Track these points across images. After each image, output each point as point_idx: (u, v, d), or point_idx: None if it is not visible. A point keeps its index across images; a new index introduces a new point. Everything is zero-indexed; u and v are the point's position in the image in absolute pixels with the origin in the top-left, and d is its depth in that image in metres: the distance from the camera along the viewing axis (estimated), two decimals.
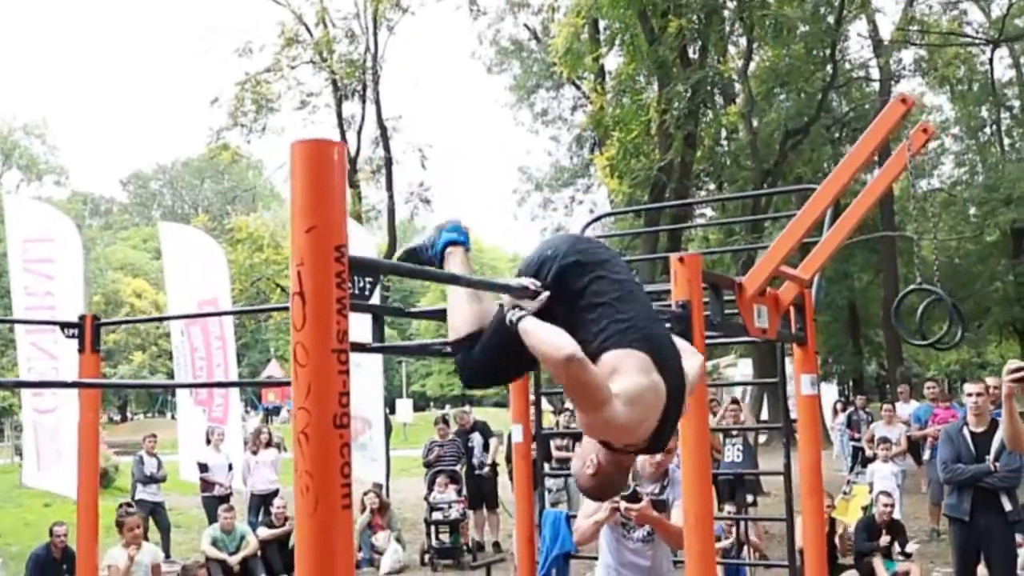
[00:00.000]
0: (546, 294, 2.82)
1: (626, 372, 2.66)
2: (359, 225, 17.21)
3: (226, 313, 13.99)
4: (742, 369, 34.04)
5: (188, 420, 15.09)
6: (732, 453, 11.04)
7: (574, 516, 5.87)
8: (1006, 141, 32.16)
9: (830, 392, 36.76)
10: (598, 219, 8.52)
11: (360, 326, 4.27)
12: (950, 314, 4.82)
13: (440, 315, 6.52)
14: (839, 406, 22.57)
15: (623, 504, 4.63)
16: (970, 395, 7.18)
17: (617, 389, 2.60)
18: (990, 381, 8.09)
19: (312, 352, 2.23)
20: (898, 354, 25.77)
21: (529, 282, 2.90)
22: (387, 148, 18.72)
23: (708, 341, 5.35)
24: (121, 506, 10.89)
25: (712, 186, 25.25)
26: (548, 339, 2.62)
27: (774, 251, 4.84)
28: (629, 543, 4.95)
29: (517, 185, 33.34)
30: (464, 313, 2.92)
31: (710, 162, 20.15)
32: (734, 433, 11.15)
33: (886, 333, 26.57)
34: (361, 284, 2.48)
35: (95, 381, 5.28)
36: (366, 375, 13.03)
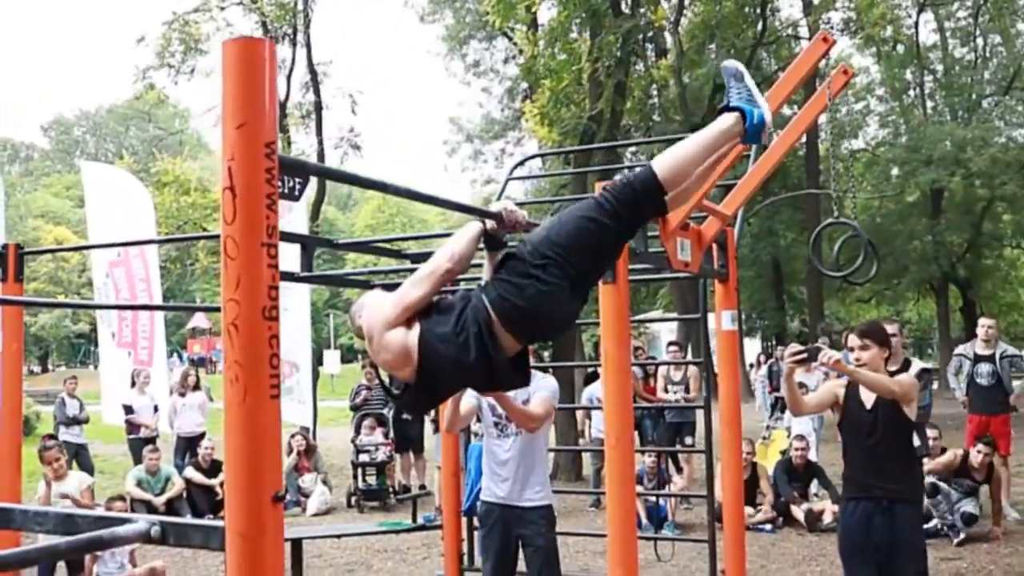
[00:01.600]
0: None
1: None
2: None
3: (151, 242, 13.80)
4: (668, 325, 34.54)
5: (112, 363, 14.93)
6: (674, 396, 11.27)
7: None
8: (928, 104, 32.84)
9: (753, 347, 37.47)
10: (526, 160, 8.57)
11: (289, 257, 4.32)
12: (864, 249, 4.98)
13: (369, 249, 6.58)
14: (761, 358, 23.07)
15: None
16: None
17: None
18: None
19: (242, 245, 2.27)
20: (819, 310, 26.33)
21: (502, 205, 3.28)
22: (317, 93, 18.52)
23: (633, 277, 5.49)
24: (43, 438, 10.80)
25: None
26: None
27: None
28: (495, 440, 5.39)
29: (448, 136, 33.34)
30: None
31: (640, 115, 20.28)
32: (676, 380, 11.37)
33: (809, 290, 27.12)
34: (291, 183, 2.52)
35: (17, 298, 5.24)
36: (293, 319, 12.98)
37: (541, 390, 5.18)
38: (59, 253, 43.96)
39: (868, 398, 5.03)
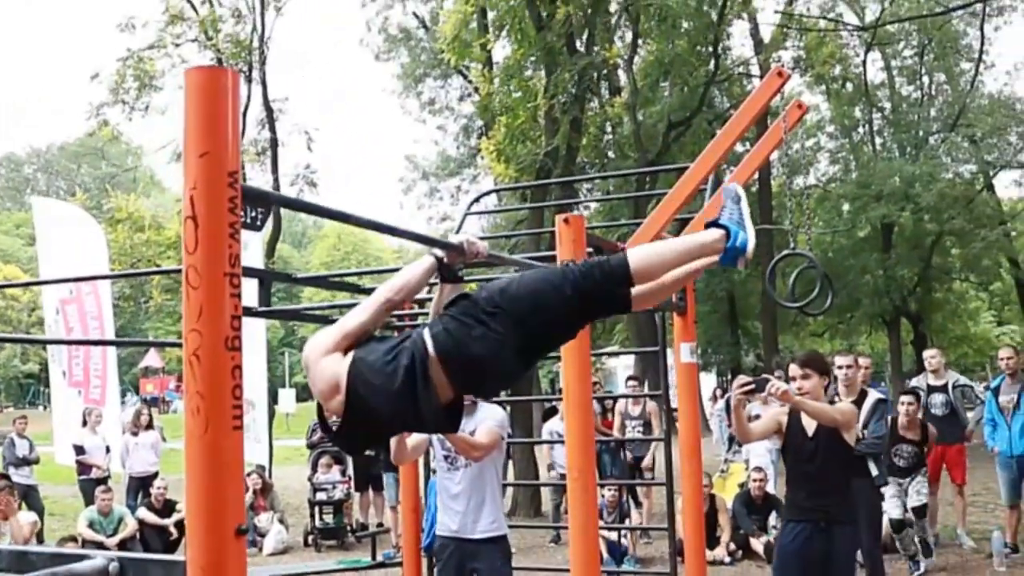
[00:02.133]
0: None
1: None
2: None
3: (106, 277, 13.64)
4: (624, 360, 34.66)
5: (63, 403, 14.70)
6: (632, 433, 11.25)
7: None
8: (877, 140, 33.37)
9: (709, 381, 37.67)
10: (484, 195, 8.61)
11: (246, 292, 4.28)
12: (820, 280, 5.05)
13: (327, 284, 6.54)
14: (718, 392, 23.16)
15: None
16: (840, 367, 7.49)
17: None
18: (861, 361, 8.46)
19: (204, 274, 2.26)
20: (774, 345, 26.54)
21: (464, 237, 3.29)
22: (273, 130, 18.45)
23: None
24: None
25: (598, 181, 25.63)
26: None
27: (656, 217, 5.01)
28: (446, 473, 5.44)
29: (404, 174, 33.25)
30: None
31: (595, 151, 20.44)
32: (635, 415, 11.36)
33: (764, 324, 27.35)
34: (253, 213, 2.51)
35: None
36: (249, 355, 12.82)
37: (487, 419, 5.19)
38: (8, 291, 43.28)
39: (809, 425, 5.23)
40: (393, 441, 5.22)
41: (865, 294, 29.22)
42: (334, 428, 3.15)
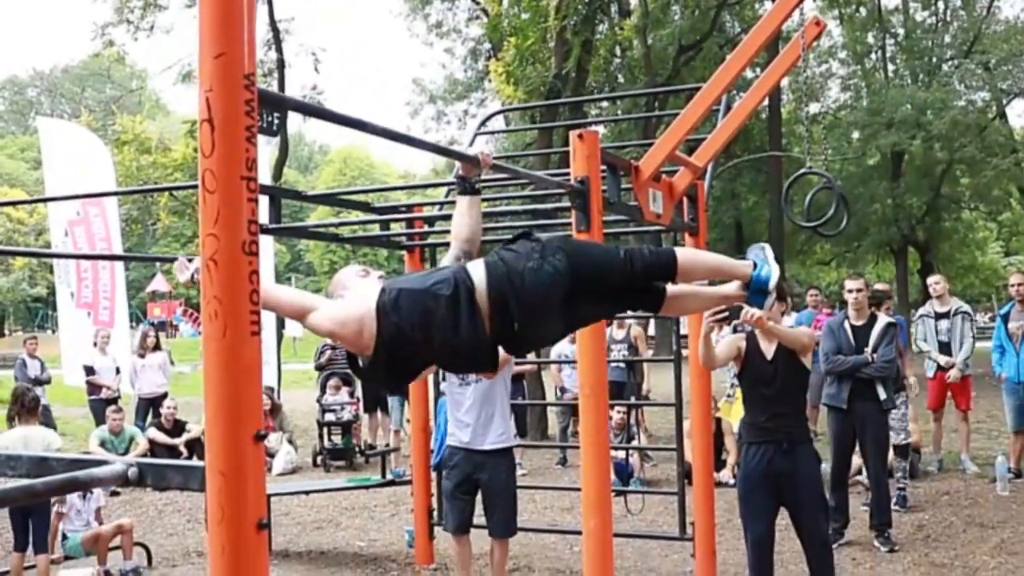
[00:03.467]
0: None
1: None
2: None
3: (113, 193, 13.59)
4: None
5: (72, 324, 14.75)
6: (617, 354, 11.24)
7: None
8: (890, 67, 32.97)
9: None
10: (492, 115, 8.52)
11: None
12: (836, 200, 5.00)
13: (337, 201, 6.52)
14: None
15: None
16: (851, 291, 7.48)
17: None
18: (880, 286, 8.39)
19: (221, 178, 2.22)
20: (782, 273, 26.51)
21: (478, 151, 3.47)
22: (279, 50, 18.21)
23: (607, 230, 5.48)
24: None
25: (605, 104, 25.39)
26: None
27: (669, 135, 4.95)
28: (457, 389, 5.81)
29: (411, 97, 32.99)
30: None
31: (605, 75, 20.20)
32: (619, 339, 11.34)
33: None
34: (269, 118, 2.47)
35: None
36: None
37: None
38: (15, 215, 43.24)
39: (768, 350, 5.34)
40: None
41: (873, 223, 29.11)
42: (363, 365, 3.09)
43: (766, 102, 23.84)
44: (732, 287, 3.54)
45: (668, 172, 5.50)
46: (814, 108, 31.54)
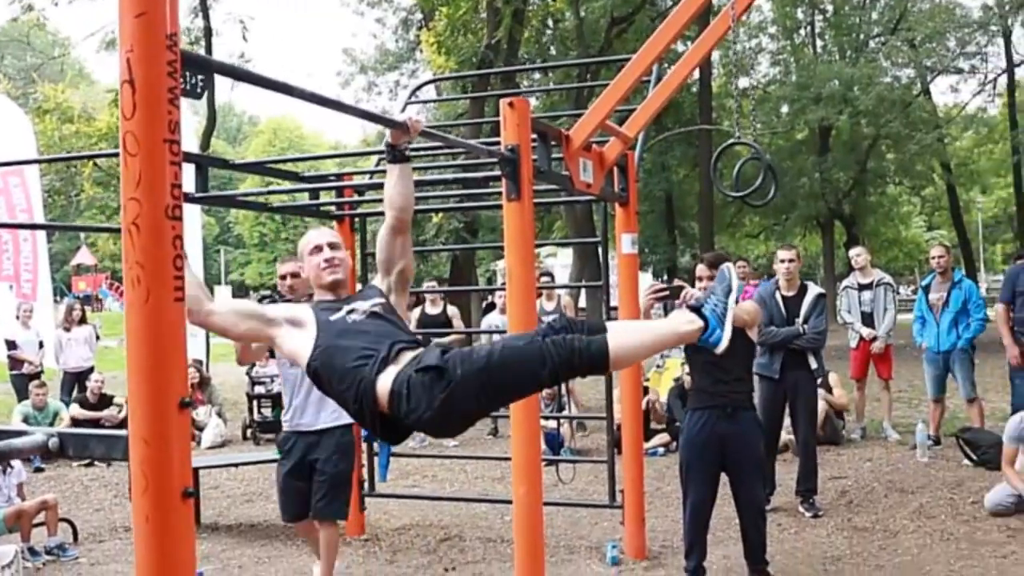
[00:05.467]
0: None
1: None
2: None
3: (33, 161, 13.24)
4: (561, 260, 34.84)
5: None
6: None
7: None
8: (819, 43, 33.43)
9: (646, 281, 38.01)
10: (423, 84, 8.47)
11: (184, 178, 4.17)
12: (764, 170, 5.06)
13: (265, 170, 6.43)
14: None
15: None
16: (782, 261, 7.58)
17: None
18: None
19: (143, 141, 2.18)
20: (711, 245, 26.79)
21: (406, 116, 3.44)
22: (207, 17, 17.86)
23: (537, 200, 5.48)
24: None
25: (537, 76, 25.36)
26: None
27: (600, 105, 4.96)
28: (289, 369, 5.58)
29: (341, 67, 32.64)
30: None
31: (537, 46, 20.16)
32: (549, 310, 11.35)
33: (700, 224, 27.53)
34: (193, 80, 2.42)
35: None
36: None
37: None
38: None
39: None
40: (238, 345, 5.40)
41: (801, 196, 29.55)
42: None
43: (697, 75, 24.04)
44: (680, 331, 3.14)
45: (599, 142, 5.52)
46: (744, 82, 31.84)
